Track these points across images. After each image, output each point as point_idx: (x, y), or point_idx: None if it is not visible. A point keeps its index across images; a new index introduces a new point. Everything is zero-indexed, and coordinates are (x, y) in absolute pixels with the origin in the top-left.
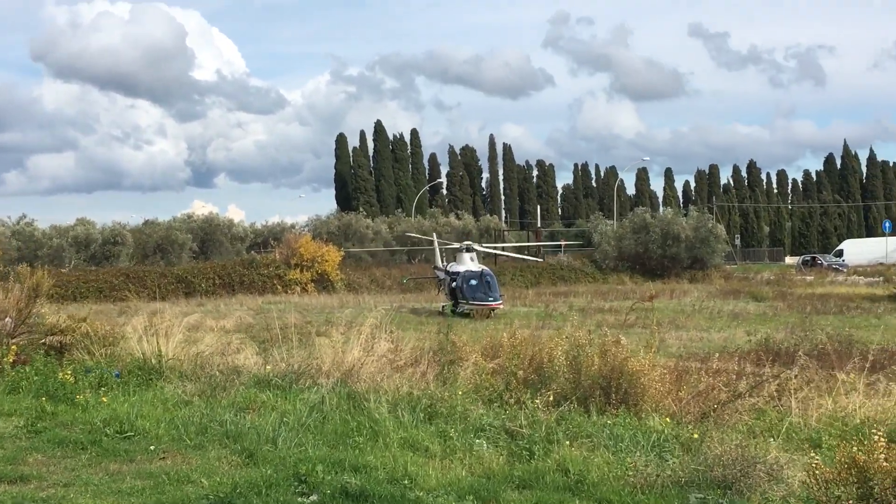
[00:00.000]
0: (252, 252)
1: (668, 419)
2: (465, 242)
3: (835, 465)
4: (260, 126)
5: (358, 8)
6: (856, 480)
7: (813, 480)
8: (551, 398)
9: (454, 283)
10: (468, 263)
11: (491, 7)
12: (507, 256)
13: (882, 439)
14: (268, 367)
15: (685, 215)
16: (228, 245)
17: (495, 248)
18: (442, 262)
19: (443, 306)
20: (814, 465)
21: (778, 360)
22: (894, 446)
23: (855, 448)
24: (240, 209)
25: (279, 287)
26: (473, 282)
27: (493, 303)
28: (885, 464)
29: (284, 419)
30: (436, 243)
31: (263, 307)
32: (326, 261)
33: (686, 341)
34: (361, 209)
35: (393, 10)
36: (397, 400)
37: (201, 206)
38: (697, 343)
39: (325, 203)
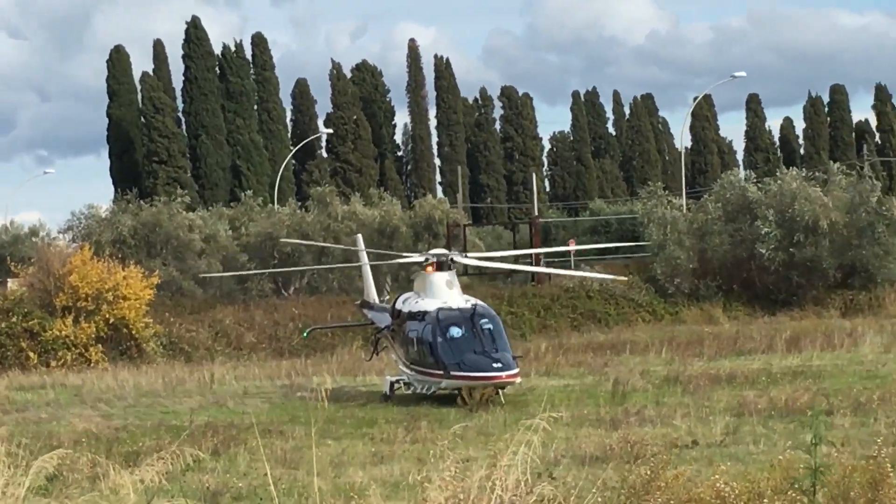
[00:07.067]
0: None
1: None
2: (435, 251)
3: None
4: None
5: None
6: None
7: None
8: None
9: (415, 335)
10: (444, 292)
11: None
12: (491, 277)
13: None
14: None
15: (824, 182)
16: None
17: (498, 259)
18: (380, 293)
19: (391, 383)
20: None
21: None
22: None
23: None
24: None
25: (32, 355)
26: (457, 331)
27: (504, 373)
28: None
29: None
30: (362, 256)
31: (15, 400)
32: (125, 298)
33: None
34: (163, 192)
35: None
36: None
37: None
38: None
39: (82, 184)
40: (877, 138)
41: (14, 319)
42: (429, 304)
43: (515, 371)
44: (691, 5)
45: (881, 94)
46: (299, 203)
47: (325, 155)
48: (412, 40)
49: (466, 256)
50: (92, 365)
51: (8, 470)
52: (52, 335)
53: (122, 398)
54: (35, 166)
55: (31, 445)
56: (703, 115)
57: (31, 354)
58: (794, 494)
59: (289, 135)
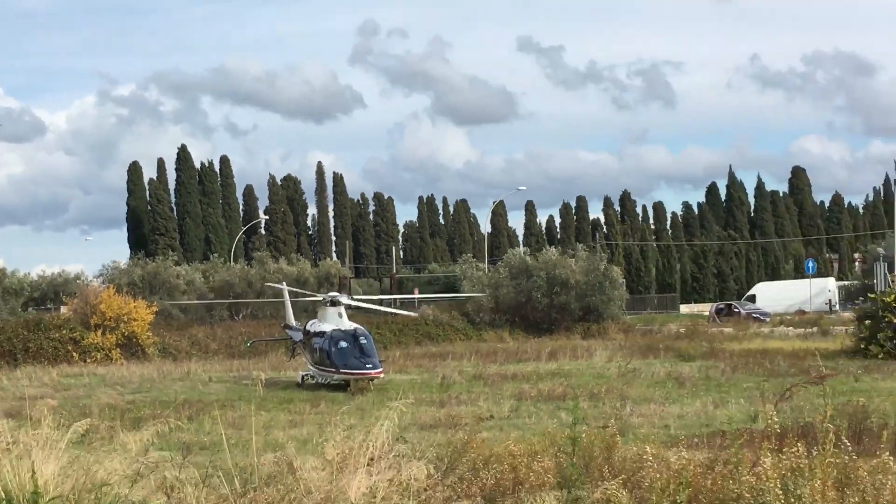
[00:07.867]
0: (31, 309)
1: None
2: (331, 294)
3: None
4: (14, 156)
5: (129, 16)
6: None
7: None
8: None
9: (317, 346)
10: (336, 321)
11: (286, 17)
12: (366, 310)
13: None
14: None
15: (573, 255)
16: (0, 302)
17: (370, 300)
18: (295, 319)
19: (303, 376)
20: None
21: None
22: None
23: None
24: None
25: (75, 355)
26: (344, 344)
27: (373, 371)
28: None
29: None
30: (286, 295)
31: (63, 383)
32: (135, 320)
33: (654, 419)
34: (161, 253)
35: (169, 19)
36: None
37: None
38: (672, 421)
39: (109, 247)
40: (604, 230)
41: (64, 331)
42: (326, 327)
43: (381, 370)
44: (491, 145)
45: (607, 202)
46: (246, 262)
47: (263, 232)
48: (319, 162)
49: (351, 298)
50: (113, 361)
51: (55, 430)
52: (88, 342)
53: (131, 383)
54: (79, 235)
55: (71, 413)
56: (499, 213)
57: (75, 354)
58: (558, 454)
59: (241, 219)
